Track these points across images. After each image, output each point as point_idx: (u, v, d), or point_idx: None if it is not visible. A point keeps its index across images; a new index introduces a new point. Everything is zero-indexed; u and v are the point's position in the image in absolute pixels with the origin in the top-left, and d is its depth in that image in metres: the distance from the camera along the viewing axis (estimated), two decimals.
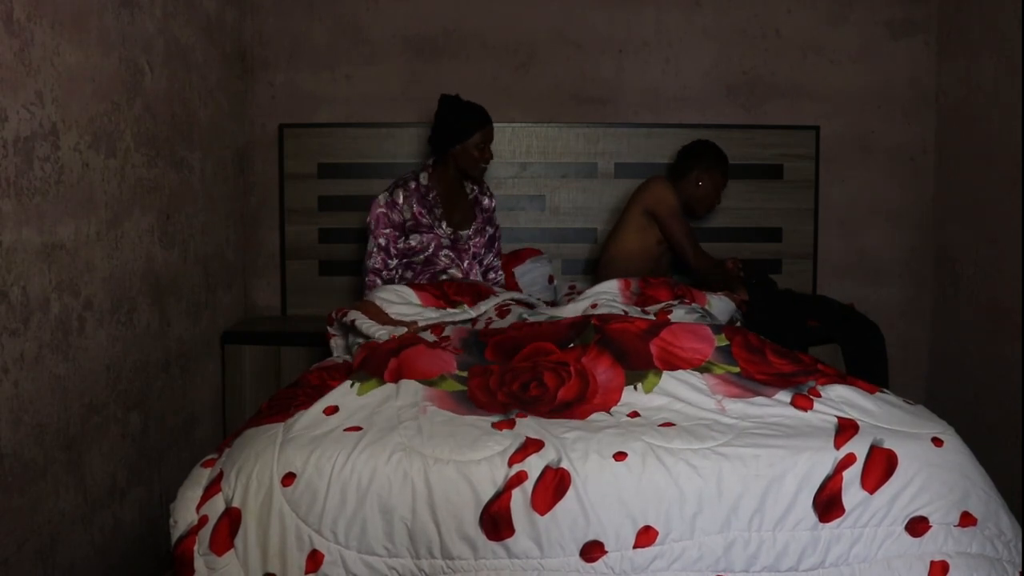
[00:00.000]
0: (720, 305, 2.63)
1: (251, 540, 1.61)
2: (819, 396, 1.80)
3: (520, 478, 1.59)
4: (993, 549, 1.63)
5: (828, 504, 1.61)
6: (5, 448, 1.80)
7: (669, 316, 2.35)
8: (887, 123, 3.49)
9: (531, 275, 3.20)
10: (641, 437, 1.67)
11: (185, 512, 1.66)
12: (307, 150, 3.39)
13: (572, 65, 3.47)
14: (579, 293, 2.80)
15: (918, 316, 3.53)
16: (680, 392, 1.85)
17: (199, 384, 2.90)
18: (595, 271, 3.26)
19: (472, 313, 2.47)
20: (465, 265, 2.90)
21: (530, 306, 2.61)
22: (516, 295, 2.68)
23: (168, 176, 2.62)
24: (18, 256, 1.84)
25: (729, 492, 1.60)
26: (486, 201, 3.04)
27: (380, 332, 2.28)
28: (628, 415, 1.80)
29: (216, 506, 1.64)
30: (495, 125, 2.93)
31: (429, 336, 2.22)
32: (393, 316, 2.42)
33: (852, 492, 1.62)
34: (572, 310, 2.46)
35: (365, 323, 2.34)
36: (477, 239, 2.96)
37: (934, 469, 1.65)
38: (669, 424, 1.74)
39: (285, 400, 1.93)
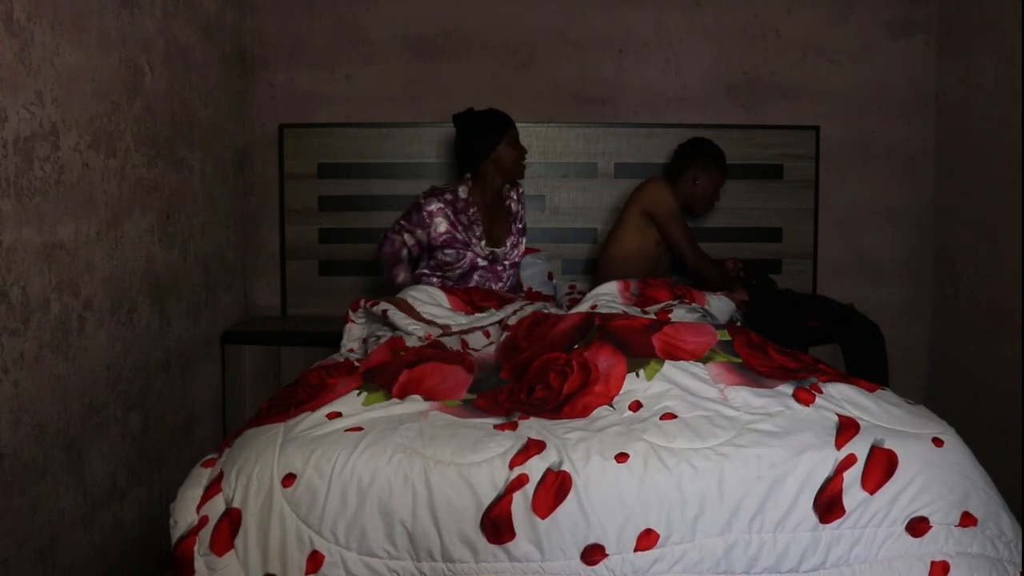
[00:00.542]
0: (720, 305, 2.63)
1: (251, 541, 1.61)
2: (820, 392, 1.81)
3: (521, 481, 1.59)
4: (994, 549, 1.63)
5: (829, 505, 1.61)
6: (5, 448, 1.80)
7: (669, 316, 2.35)
8: (887, 123, 3.49)
9: (532, 270, 3.21)
10: (642, 436, 1.67)
11: (185, 512, 1.66)
12: (307, 150, 3.39)
13: (572, 65, 3.47)
14: (581, 293, 2.81)
15: (918, 316, 3.53)
16: (681, 380, 1.85)
17: (199, 384, 2.90)
18: (594, 271, 3.26)
19: (500, 315, 2.48)
20: (496, 287, 2.90)
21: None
22: (537, 305, 2.70)
23: (168, 176, 2.62)
24: (18, 256, 1.84)
25: (730, 494, 1.60)
26: (514, 206, 3.01)
27: (414, 327, 2.32)
28: (629, 406, 1.80)
29: (216, 506, 1.64)
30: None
31: (456, 341, 2.24)
32: (425, 316, 2.44)
33: (853, 493, 1.62)
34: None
35: (398, 315, 2.38)
36: (514, 253, 2.96)
37: (934, 469, 1.65)
38: (670, 416, 1.74)
39: (285, 400, 1.92)
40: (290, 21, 3.42)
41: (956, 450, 1.69)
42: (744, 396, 1.80)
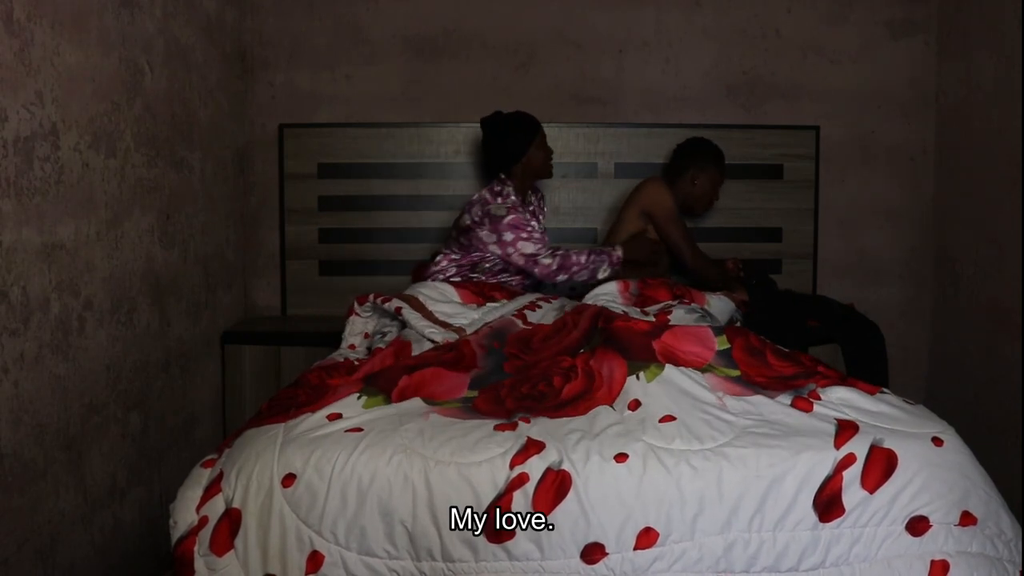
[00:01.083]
0: (719, 305, 2.63)
1: (251, 541, 1.61)
2: (819, 399, 1.81)
3: (521, 480, 1.59)
4: (993, 548, 1.63)
5: (828, 504, 1.61)
6: (5, 448, 1.80)
7: (669, 316, 2.35)
8: (887, 123, 3.49)
9: None
10: (642, 437, 1.67)
11: (185, 512, 1.66)
12: (307, 150, 3.39)
13: (572, 65, 3.47)
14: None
15: (918, 316, 3.53)
16: (681, 384, 1.86)
17: (199, 384, 2.90)
18: None
19: (511, 306, 2.49)
20: (516, 284, 2.90)
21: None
22: (542, 295, 2.71)
23: (168, 176, 2.62)
24: (18, 256, 1.84)
25: (729, 493, 1.60)
26: (537, 211, 3.04)
27: (430, 330, 2.33)
28: (628, 405, 1.80)
29: (216, 507, 1.64)
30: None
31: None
32: (437, 315, 2.44)
33: (852, 492, 1.62)
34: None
35: (414, 316, 2.39)
36: None
37: (934, 469, 1.65)
38: (669, 418, 1.74)
39: (285, 400, 1.93)
40: (290, 21, 3.42)
41: (956, 450, 1.70)
42: (743, 405, 1.81)
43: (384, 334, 2.49)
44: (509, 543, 1.57)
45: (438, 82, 3.44)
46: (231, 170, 3.25)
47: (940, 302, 3.44)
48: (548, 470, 1.60)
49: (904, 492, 1.63)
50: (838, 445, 1.65)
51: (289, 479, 1.62)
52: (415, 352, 2.22)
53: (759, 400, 1.82)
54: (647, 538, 1.58)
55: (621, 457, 1.62)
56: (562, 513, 1.58)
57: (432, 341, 2.28)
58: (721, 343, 2.02)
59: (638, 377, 1.89)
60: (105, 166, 2.21)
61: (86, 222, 2.12)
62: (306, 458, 1.64)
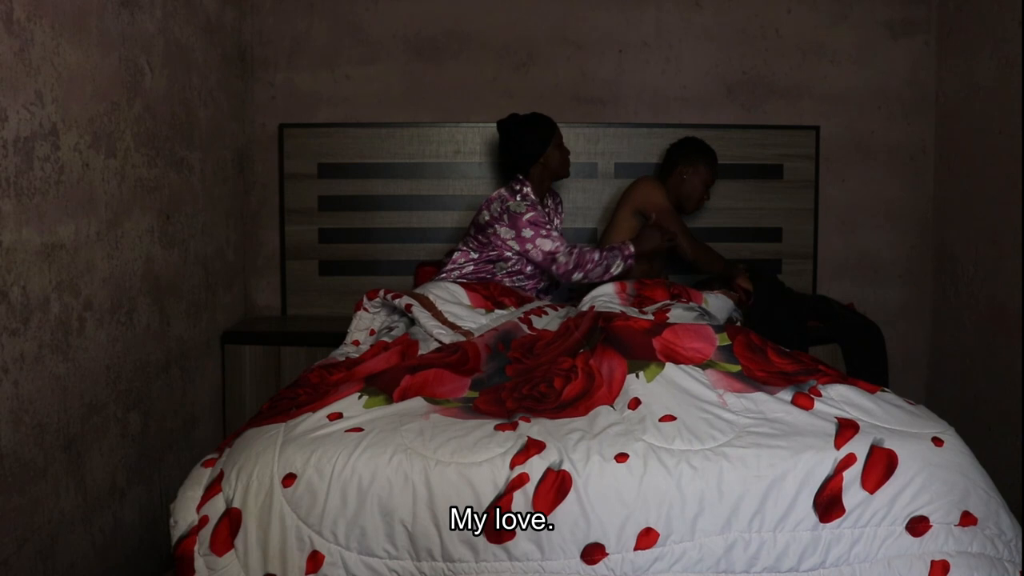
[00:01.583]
0: (717, 303, 2.63)
1: (251, 541, 1.61)
2: (820, 395, 1.81)
3: (522, 480, 1.59)
4: (994, 548, 1.63)
5: (829, 504, 1.61)
6: (5, 448, 1.80)
7: (667, 315, 2.36)
8: (887, 123, 3.49)
9: None
10: (642, 437, 1.67)
11: (185, 512, 1.66)
12: (307, 150, 3.39)
13: (572, 65, 3.47)
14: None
15: (918, 316, 3.53)
16: (682, 382, 1.86)
17: (199, 384, 2.90)
18: None
19: (518, 314, 2.49)
20: (529, 287, 2.91)
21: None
22: (549, 303, 2.73)
23: (168, 176, 2.62)
24: (18, 256, 1.84)
25: (730, 493, 1.61)
26: (553, 214, 3.05)
27: (439, 331, 2.33)
28: (628, 404, 1.80)
29: (216, 506, 1.64)
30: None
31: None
32: (446, 315, 2.44)
33: (852, 492, 1.62)
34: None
35: (424, 315, 2.40)
36: None
37: (934, 469, 1.65)
38: (670, 418, 1.74)
39: (286, 400, 1.93)
40: (290, 21, 3.42)
41: (956, 450, 1.70)
42: (743, 402, 1.81)
43: (391, 329, 2.49)
44: (509, 543, 1.57)
45: (438, 82, 3.44)
46: (231, 170, 3.25)
47: (940, 302, 3.44)
48: (548, 470, 1.60)
49: (904, 492, 1.63)
50: (838, 445, 1.65)
51: (289, 479, 1.63)
52: (422, 352, 2.22)
53: (760, 397, 1.81)
54: (647, 538, 1.58)
55: (621, 457, 1.62)
56: (562, 513, 1.58)
57: (439, 342, 2.28)
58: (722, 339, 2.02)
59: (638, 376, 1.89)
60: (105, 166, 2.21)
61: (86, 222, 2.12)
62: (306, 458, 1.64)
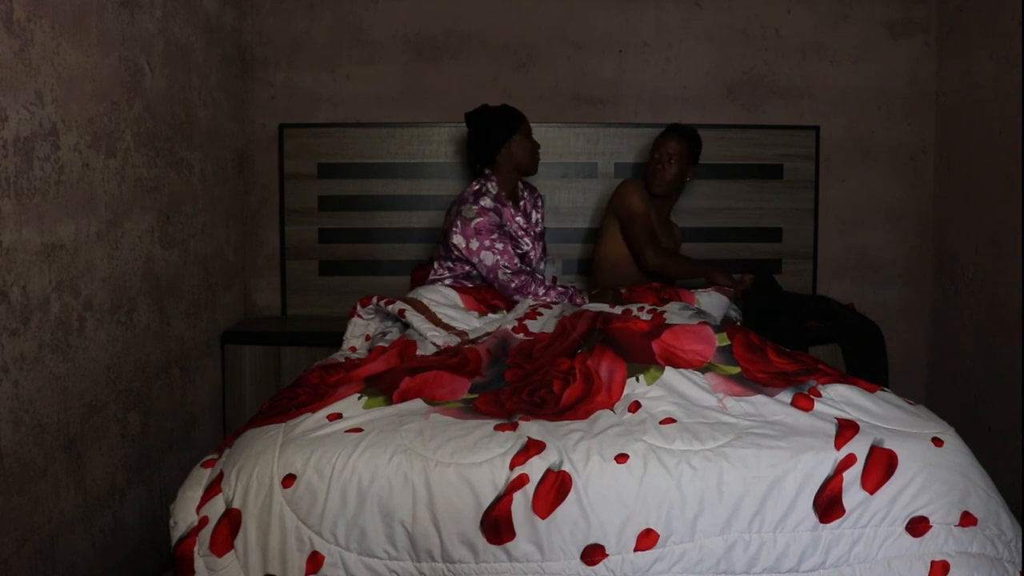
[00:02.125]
0: (711, 301, 2.63)
1: (251, 541, 1.61)
2: (820, 396, 1.81)
3: (521, 481, 1.59)
4: (994, 549, 1.63)
5: (829, 505, 1.61)
6: (5, 448, 1.80)
7: (663, 315, 2.37)
8: (887, 123, 3.49)
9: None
10: (642, 438, 1.67)
11: (185, 513, 1.66)
12: (307, 150, 3.39)
13: (572, 65, 3.47)
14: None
15: (918, 316, 3.53)
16: (681, 387, 1.86)
17: (199, 384, 2.90)
18: (589, 272, 3.26)
19: (511, 317, 2.49)
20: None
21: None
22: (556, 310, 2.70)
23: (168, 176, 2.62)
24: (18, 256, 1.84)
25: (730, 494, 1.61)
26: (533, 212, 3.01)
27: (433, 333, 2.33)
28: (629, 407, 1.80)
29: (216, 507, 1.64)
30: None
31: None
32: (442, 319, 2.44)
33: (852, 492, 1.62)
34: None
35: (417, 318, 2.40)
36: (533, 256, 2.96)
37: (934, 469, 1.65)
38: (670, 420, 1.74)
39: (286, 400, 1.93)
40: (290, 21, 3.42)
41: (956, 450, 1.70)
42: (743, 406, 1.81)
43: (385, 334, 2.49)
44: (509, 544, 1.57)
45: (438, 82, 3.44)
46: (231, 170, 3.25)
47: (940, 302, 3.44)
48: (548, 471, 1.60)
49: (904, 492, 1.63)
50: (838, 446, 1.65)
51: (289, 479, 1.62)
52: (419, 352, 2.23)
53: (760, 400, 1.82)
54: (647, 539, 1.58)
55: (622, 458, 1.62)
56: (562, 514, 1.58)
57: (434, 344, 2.28)
58: (721, 340, 2.02)
59: (638, 379, 1.89)
60: (105, 166, 2.21)
61: (86, 222, 2.12)
62: (306, 458, 1.64)
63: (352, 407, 1.83)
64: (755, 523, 1.61)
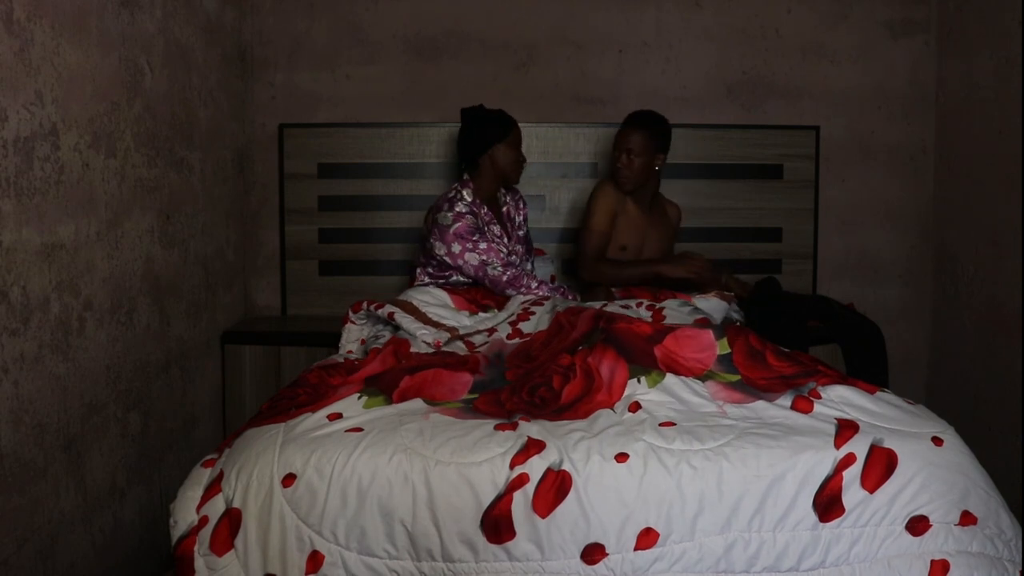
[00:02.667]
0: (710, 306, 2.63)
1: (251, 541, 1.61)
2: (819, 398, 1.81)
3: (521, 480, 1.59)
4: (993, 548, 1.63)
5: (828, 504, 1.61)
6: (5, 448, 1.80)
7: (663, 311, 2.37)
8: (887, 123, 3.49)
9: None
10: (642, 437, 1.67)
11: (185, 512, 1.66)
12: (307, 150, 3.39)
13: (572, 65, 3.47)
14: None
15: (918, 316, 3.53)
16: (681, 394, 1.86)
17: (199, 384, 2.90)
18: None
19: (502, 316, 2.49)
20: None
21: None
22: (532, 297, 2.69)
23: (168, 176, 2.62)
24: (18, 256, 1.84)
25: (730, 493, 1.61)
26: (515, 215, 3.00)
27: (422, 331, 2.34)
28: (629, 407, 1.81)
29: (216, 506, 1.64)
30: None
31: (461, 347, 2.26)
32: (432, 317, 2.44)
33: (852, 492, 1.62)
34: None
35: (406, 319, 2.40)
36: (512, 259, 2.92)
37: (934, 468, 1.65)
38: (670, 423, 1.74)
39: (286, 400, 1.93)
40: (290, 21, 3.42)
41: (956, 449, 1.70)
42: (742, 412, 1.81)
43: (378, 338, 2.50)
44: (509, 543, 1.57)
45: (438, 82, 3.44)
46: (231, 170, 3.25)
47: (940, 302, 3.44)
48: (548, 470, 1.60)
49: (904, 492, 1.63)
50: (838, 445, 1.66)
51: (289, 479, 1.63)
52: (413, 349, 2.23)
53: (759, 406, 1.82)
54: (647, 538, 1.58)
55: (622, 457, 1.62)
56: (562, 513, 1.58)
57: (425, 343, 2.28)
58: (722, 347, 2.02)
59: (639, 381, 1.89)
60: (105, 166, 2.21)
61: (86, 222, 2.12)
62: (306, 458, 1.64)
63: (352, 407, 1.83)
64: (755, 522, 1.61)
